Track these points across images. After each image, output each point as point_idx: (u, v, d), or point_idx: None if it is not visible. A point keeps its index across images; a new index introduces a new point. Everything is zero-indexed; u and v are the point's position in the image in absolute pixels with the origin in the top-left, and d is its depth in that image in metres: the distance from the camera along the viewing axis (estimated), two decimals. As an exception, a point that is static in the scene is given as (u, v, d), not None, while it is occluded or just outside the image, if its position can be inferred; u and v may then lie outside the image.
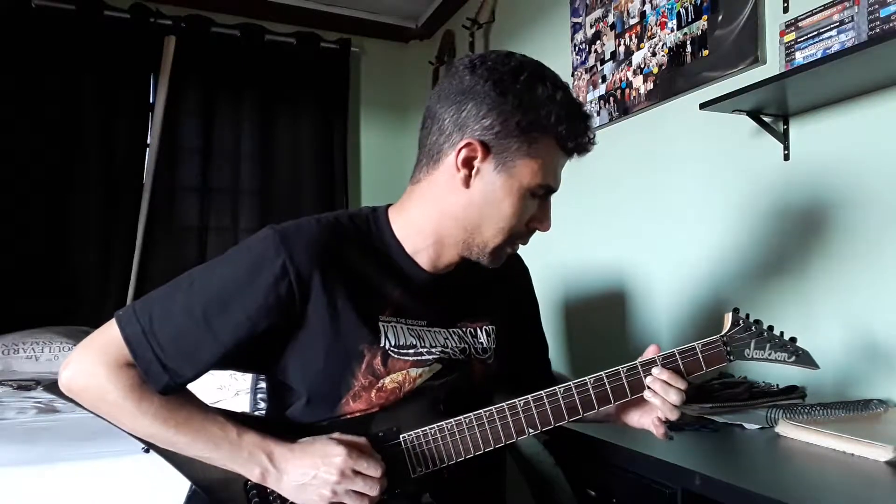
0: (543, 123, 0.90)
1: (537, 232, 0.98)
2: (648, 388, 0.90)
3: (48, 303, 3.02)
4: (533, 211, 0.95)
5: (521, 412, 0.91)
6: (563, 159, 0.96)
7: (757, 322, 0.92)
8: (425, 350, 0.96)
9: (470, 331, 1.03)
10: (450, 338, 1.00)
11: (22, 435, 1.67)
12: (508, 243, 0.96)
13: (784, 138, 1.58)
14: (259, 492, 0.90)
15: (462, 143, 0.90)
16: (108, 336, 0.87)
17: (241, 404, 1.73)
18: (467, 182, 0.92)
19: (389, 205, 1.03)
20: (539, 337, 1.21)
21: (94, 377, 0.86)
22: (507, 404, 0.91)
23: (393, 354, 0.93)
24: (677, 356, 0.91)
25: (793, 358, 0.92)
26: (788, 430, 1.14)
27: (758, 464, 1.04)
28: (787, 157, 1.58)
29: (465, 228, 0.95)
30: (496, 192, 0.92)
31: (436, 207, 0.95)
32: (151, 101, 3.31)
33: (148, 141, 3.30)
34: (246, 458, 0.87)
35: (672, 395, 0.89)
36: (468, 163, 0.91)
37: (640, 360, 0.92)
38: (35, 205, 3.04)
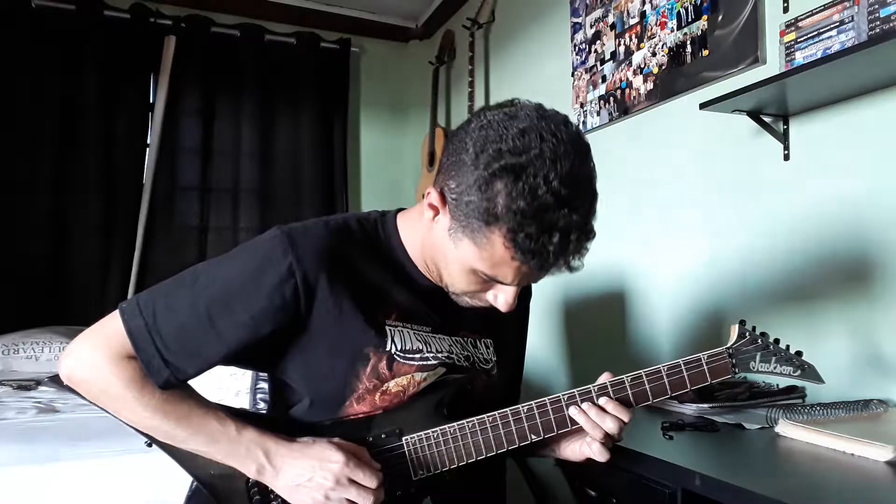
0: (490, 219, 0.81)
1: None
2: (583, 412, 0.89)
3: (48, 303, 3.02)
4: (489, 287, 0.91)
5: (524, 418, 0.90)
6: (519, 265, 0.84)
7: (763, 335, 0.93)
8: (430, 355, 0.95)
9: (471, 341, 1.03)
10: (454, 345, 1.00)
11: (22, 435, 1.68)
12: (468, 297, 0.94)
13: (784, 138, 1.58)
14: (260, 489, 0.90)
15: (435, 188, 0.89)
16: (111, 328, 0.87)
17: (241, 404, 1.72)
18: (430, 224, 0.91)
19: (399, 210, 1.02)
20: (519, 362, 1.19)
21: (96, 369, 0.86)
22: (510, 410, 0.90)
23: (399, 358, 0.93)
24: (682, 367, 0.91)
25: (798, 372, 0.93)
26: (788, 430, 1.14)
27: (758, 464, 1.04)
28: (787, 157, 1.58)
29: (433, 260, 0.94)
30: (447, 250, 0.90)
31: (424, 230, 0.95)
32: (151, 100, 3.32)
33: (148, 141, 3.30)
34: (243, 454, 0.88)
35: (608, 423, 0.89)
36: (432, 207, 0.90)
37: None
38: (35, 205, 3.04)
